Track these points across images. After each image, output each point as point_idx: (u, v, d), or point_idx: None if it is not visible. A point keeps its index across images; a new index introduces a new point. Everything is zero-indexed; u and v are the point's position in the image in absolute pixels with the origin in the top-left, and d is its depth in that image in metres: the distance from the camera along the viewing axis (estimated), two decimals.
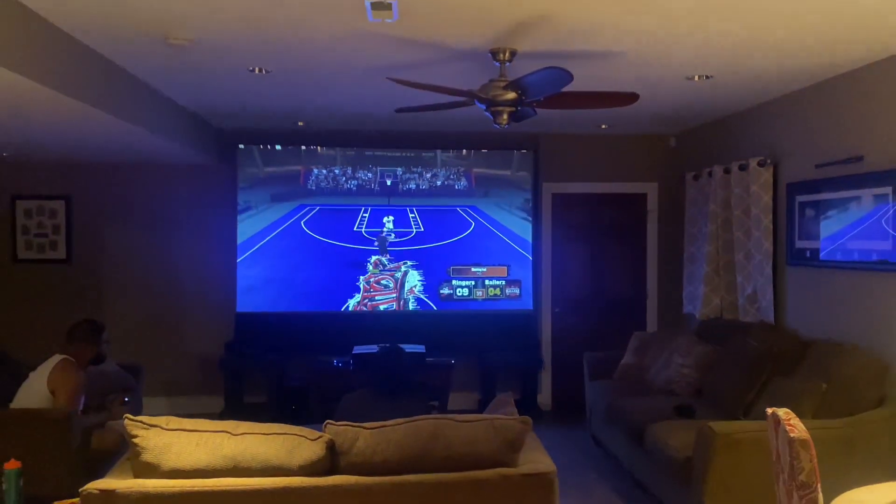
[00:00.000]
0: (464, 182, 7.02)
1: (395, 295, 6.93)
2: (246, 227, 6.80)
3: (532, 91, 3.62)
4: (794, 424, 2.18)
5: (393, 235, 6.95)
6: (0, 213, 6.70)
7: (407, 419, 2.72)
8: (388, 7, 3.17)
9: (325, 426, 2.71)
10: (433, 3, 3.15)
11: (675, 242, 6.77)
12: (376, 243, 6.93)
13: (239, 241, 6.78)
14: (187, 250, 6.90)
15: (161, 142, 5.30)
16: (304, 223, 6.89)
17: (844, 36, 3.67)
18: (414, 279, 6.96)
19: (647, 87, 4.77)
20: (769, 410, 2.36)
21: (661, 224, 7.11)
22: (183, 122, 5.70)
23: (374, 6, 3.16)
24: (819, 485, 2.16)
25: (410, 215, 6.99)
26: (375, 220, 6.97)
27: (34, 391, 3.89)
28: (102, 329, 4.21)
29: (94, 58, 3.95)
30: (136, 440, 2.57)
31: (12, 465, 3.13)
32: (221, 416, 6.53)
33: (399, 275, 6.96)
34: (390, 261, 6.93)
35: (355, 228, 6.94)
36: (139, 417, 2.62)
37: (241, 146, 6.75)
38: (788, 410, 2.28)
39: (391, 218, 6.96)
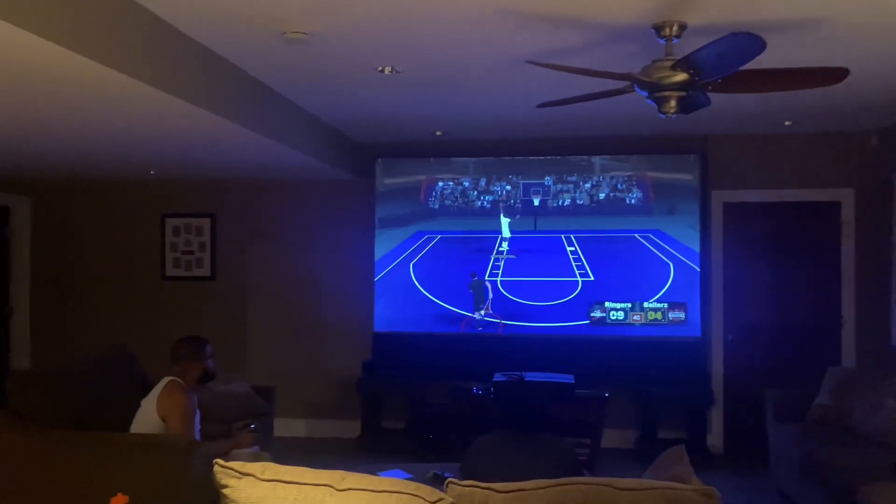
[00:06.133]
0: (638, 193, 5.65)
1: None
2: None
3: (708, 68, 2.93)
4: None
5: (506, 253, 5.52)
6: (151, 230, 6.86)
7: (551, 482, 2.13)
8: None
9: (447, 486, 2.18)
10: None
11: (879, 260, 5.74)
12: (471, 289, 5.38)
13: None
14: (326, 267, 6.73)
15: (302, 157, 5.18)
16: (413, 266, 5.58)
17: None
18: None
19: (858, 66, 3.84)
20: None
21: (859, 238, 6.05)
22: (321, 135, 5.54)
23: None
24: None
25: (569, 249, 5.48)
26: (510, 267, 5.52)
27: (147, 420, 3.67)
28: (205, 343, 3.89)
29: (225, 66, 3.87)
30: (225, 491, 2.17)
31: (119, 500, 2.88)
32: (358, 441, 6.33)
33: None
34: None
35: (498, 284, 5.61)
36: (230, 464, 2.22)
37: (380, 160, 6.45)
38: None
39: (507, 220, 5.53)
